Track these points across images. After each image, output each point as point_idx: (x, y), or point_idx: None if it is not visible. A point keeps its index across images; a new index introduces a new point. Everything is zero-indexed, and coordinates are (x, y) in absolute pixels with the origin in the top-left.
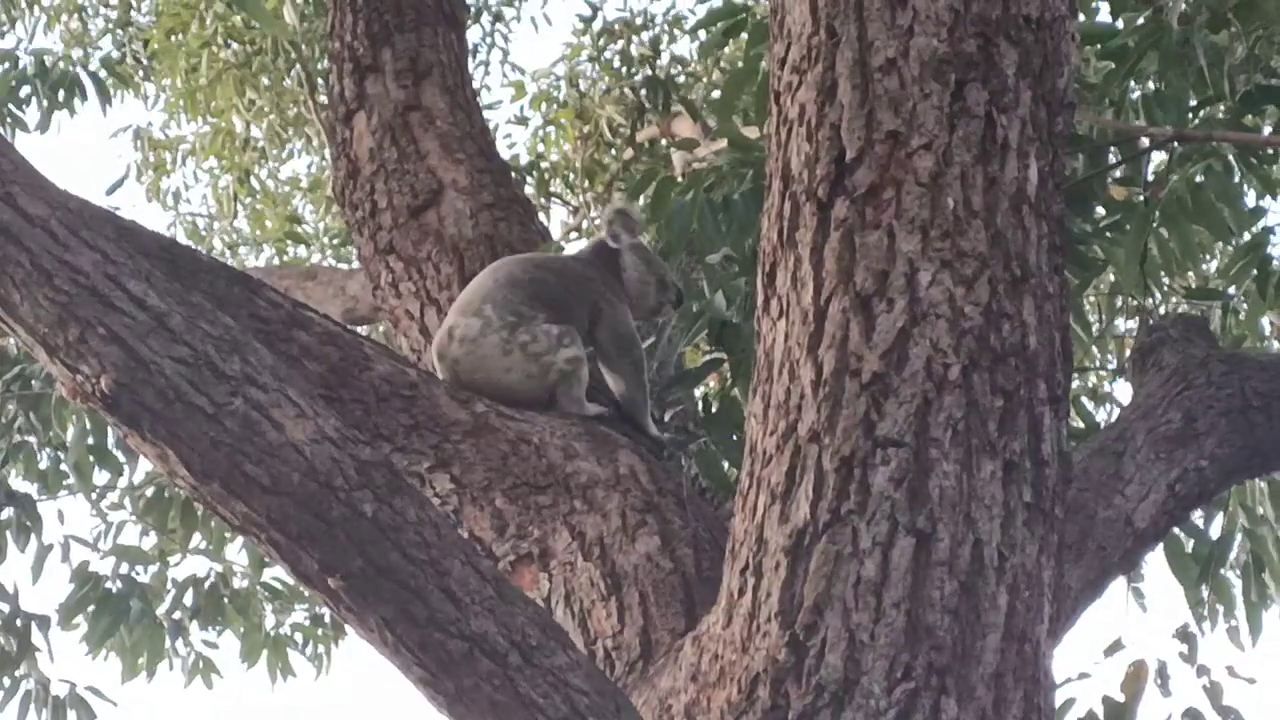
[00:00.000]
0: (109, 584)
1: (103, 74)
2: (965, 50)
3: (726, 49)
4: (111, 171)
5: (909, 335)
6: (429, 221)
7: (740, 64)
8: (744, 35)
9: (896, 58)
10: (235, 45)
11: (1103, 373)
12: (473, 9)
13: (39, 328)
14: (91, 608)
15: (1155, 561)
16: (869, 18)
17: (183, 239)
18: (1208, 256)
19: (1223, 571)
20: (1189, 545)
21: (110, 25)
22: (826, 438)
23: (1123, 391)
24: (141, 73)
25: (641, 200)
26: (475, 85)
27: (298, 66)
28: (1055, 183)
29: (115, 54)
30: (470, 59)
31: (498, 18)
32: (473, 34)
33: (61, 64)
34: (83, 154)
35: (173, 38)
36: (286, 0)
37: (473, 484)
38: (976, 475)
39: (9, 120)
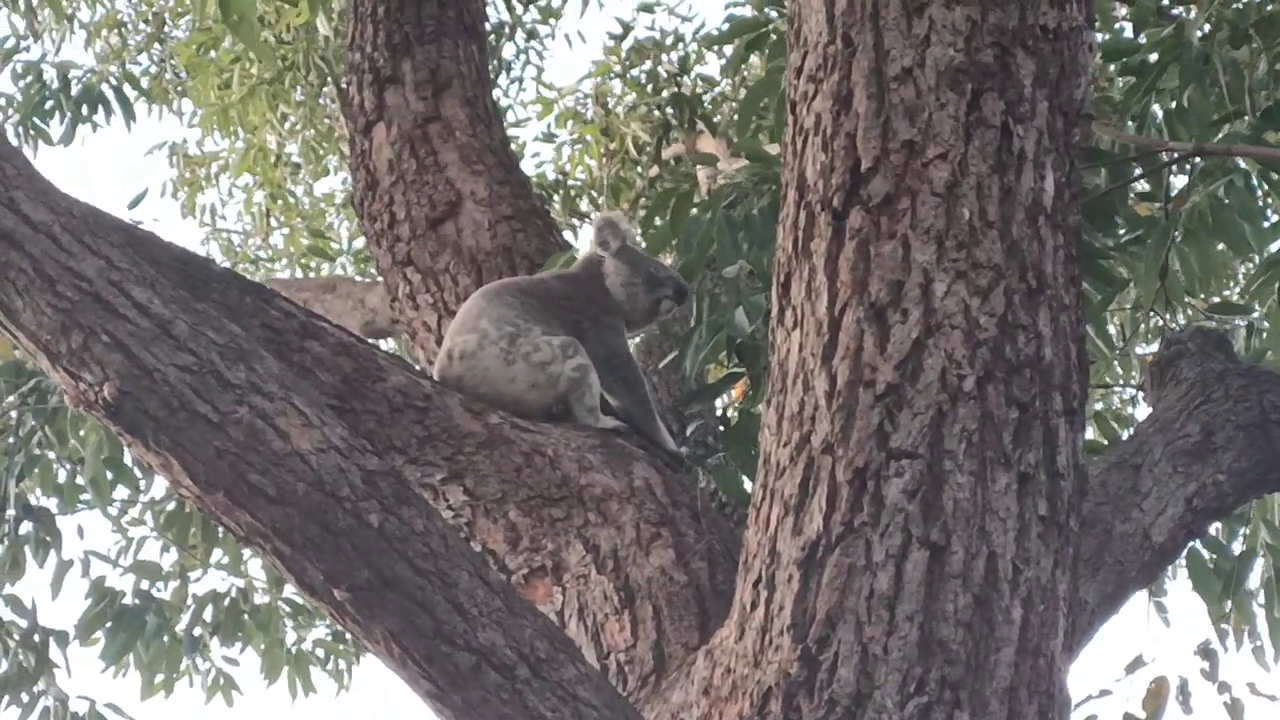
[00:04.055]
0: (126, 600)
1: (129, 91)
2: (982, 60)
3: (750, 65)
4: (151, 188)
5: (923, 346)
6: (447, 233)
7: (763, 78)
8: (766, 50)
9: (913, 67)
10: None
11: (1126, 392)
12: (507, 26)
13: (41, 335)
14: (108, 624)
15: (1177, 577)
16: (885, 27)
17: (218, 255)
18: (1234, 273)
19: (1246, 588)
20: (1211, 561)
21: (143, 42)
22: (840, 449)
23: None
24: (179, 88)
25: (659, 219)
26: (510, 101)
27: (330, 82)
28: (1072, 193)
29: (153, 69)
30: (505, 75)
31: (531, 35)
32: (507, 51)
33: (88, 78)
34: (124, 170)
35: (203, 54)
36: (319, 13)
37: (486, 496)
38: (991, 488)
39: (32, 133)
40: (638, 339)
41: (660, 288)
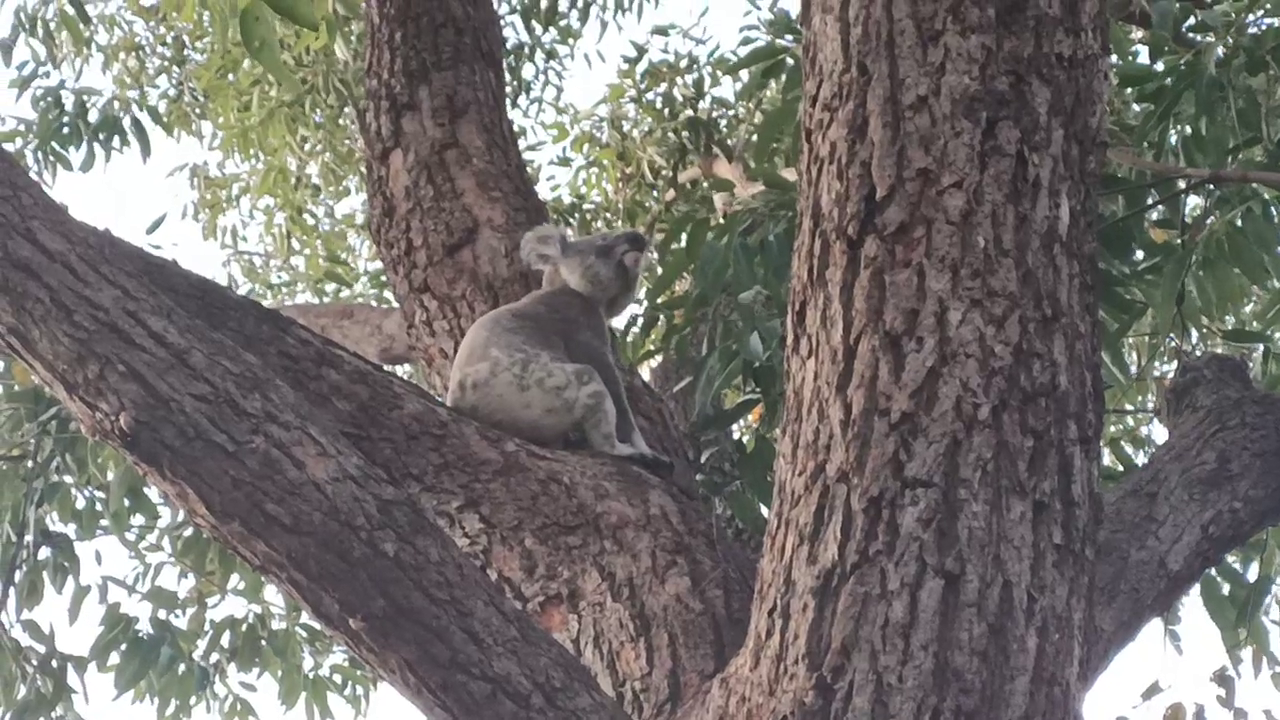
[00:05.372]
0: (142, 628)
1: (146, 119)
2: (997, 88)
3: (767, 92)
4: (173, 209)
5: (938, 375)
6: (464, 260)
7: (780, 106)
8: (783, 76)
9: (928, 95)
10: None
11: (1141, 415)
12: (527, 47)
13: (58, 365)
14: (123, 647)
15: (1192, 604)
16: (900, 55)
17: (239, 277)
18: (1249, 299)
19: (1261, 615)
20: (1225, 588)
21: (166, 63)
22: (855, 478)
23: (1160, 434)
24: (198, 110)
25: (675, 244)
26: (530, 122)
27: (350, 103)
28: (1087, 221)
29: (172, 92)
30: (525, 95)
31: (551, 55)
32: (526, 71)
33: (107, 105)
34: (146, 191)
35: (223, 76)
36: (337, 38)
37: (502, 524)
38: (1006, 516)
39: (51, 159)
40: (655, 359)
41: (614, 250)
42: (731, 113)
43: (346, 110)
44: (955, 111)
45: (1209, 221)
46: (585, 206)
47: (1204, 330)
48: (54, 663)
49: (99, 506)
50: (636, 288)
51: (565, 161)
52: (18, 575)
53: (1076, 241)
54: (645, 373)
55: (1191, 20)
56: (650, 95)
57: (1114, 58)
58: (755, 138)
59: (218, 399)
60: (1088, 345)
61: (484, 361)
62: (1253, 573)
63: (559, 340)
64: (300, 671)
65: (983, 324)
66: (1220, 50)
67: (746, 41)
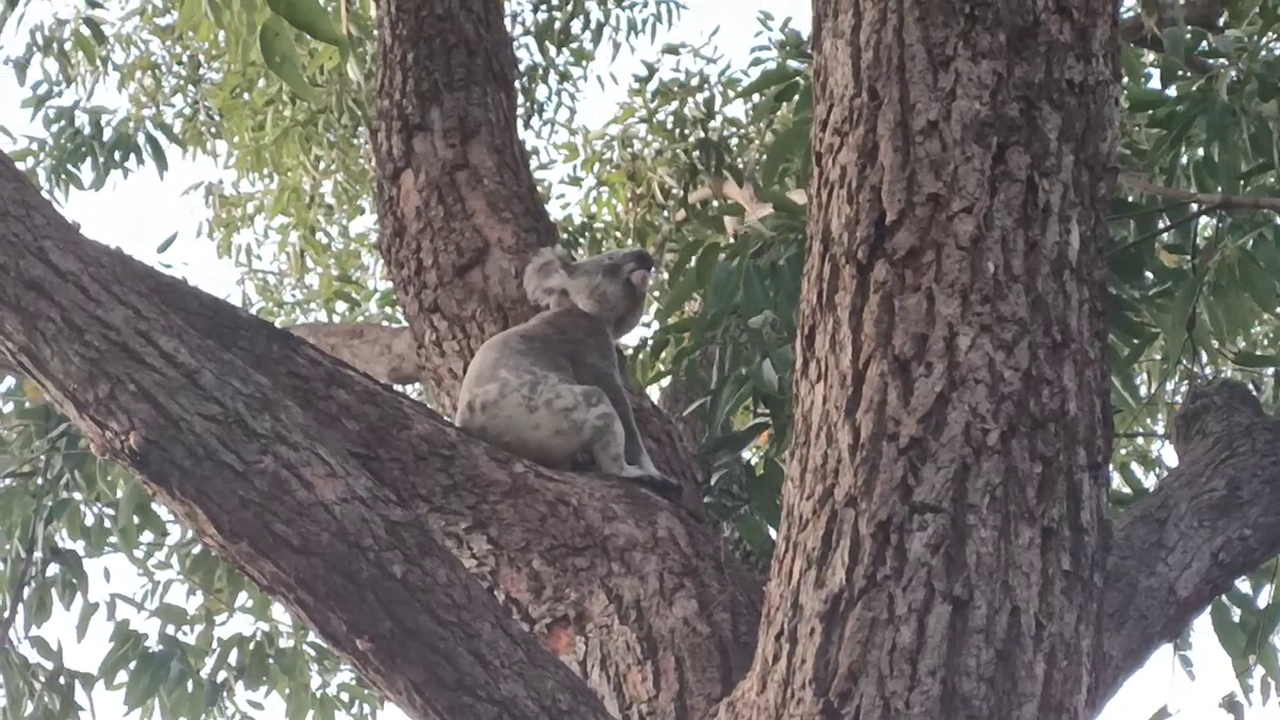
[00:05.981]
0: (151, 644)
1: (161, 137)
2: (1007, 114)
3: (778, 113)
4: (188, 227)
5: (947, 400)
6: (474, 280)
7: (790, 127)
8: (795, 99)
9: (938, 120)
10: (300, 102)
11: (1151, 437)
12: (540, 69)
13: (69, 384)
14: (133, 664)
15: (1202, 629)
16: (911, 80)
17: (254, 295)
18: (1259, 323)
19: (1271, 640)
20: (1236, 614)
21: (181, 82)
22: (863, 502)
23: (1171, 456)
24: (213, 129)
25: (686, 266)
26: (541, 143)
27: (363, 122)
28: (1097, 247)
29: (187, 110)
30: (538, 116)
31: (564, 77)
32: (540, 93)
33: (121, 125)
34: (162, 208)
35: (238, 96)
36: (350, 59)
37: (510, 545)
38: (1014, 542)
39: (63, 178)
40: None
41: (621, 269)
42: (742, 132)
43: (360, 130)
44: (965, 137)
45: (1220, 247)
46: (596, 226)
47: (1215, 350)
48: (62, 679)
49: (108, 523)
50: (644, 306)
51: (576, 181)
52: (26, 591)
53: (1086, 267)
54: (654, 395)
55: (1204, 45)
56: (661, 115)
57: (1125, 80)
58: (765, 158)
59: (227, 419)
60: (1097, 371)
61: (493, 383)
62: (1263, 599)
63: (567, 362)
64: (308, 690)
65: (992, 349)
66: (1233, 75)
67: (757, 62)
